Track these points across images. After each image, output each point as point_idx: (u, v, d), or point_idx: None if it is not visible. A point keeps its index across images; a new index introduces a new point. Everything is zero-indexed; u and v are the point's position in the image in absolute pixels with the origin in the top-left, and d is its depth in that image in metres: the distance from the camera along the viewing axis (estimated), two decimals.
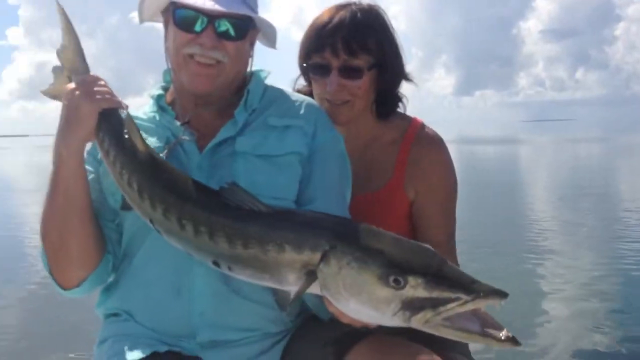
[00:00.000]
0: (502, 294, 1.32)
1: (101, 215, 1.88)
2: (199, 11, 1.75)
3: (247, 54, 1.90)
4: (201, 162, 1.83)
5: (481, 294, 1.31)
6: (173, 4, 1.80)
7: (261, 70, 1.99)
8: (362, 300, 1.38)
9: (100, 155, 1.81)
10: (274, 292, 1.57)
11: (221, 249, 1.53)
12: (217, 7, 1.73)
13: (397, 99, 2.33)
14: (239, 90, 1.92)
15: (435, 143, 2.38)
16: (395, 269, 1.35)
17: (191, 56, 1.79)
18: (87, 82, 1.74)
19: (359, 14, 2.10)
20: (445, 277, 1.34)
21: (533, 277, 7.39)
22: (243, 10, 1.79)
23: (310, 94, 2.25)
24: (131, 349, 1.75)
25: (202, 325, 1.78)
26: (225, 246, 1.51)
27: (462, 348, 2.28)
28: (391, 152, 2.32)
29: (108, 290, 1.94)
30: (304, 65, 2.20)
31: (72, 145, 1.71)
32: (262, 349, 1.83)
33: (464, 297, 1.31)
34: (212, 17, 1.75)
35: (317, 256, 1.42)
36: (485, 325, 1.34)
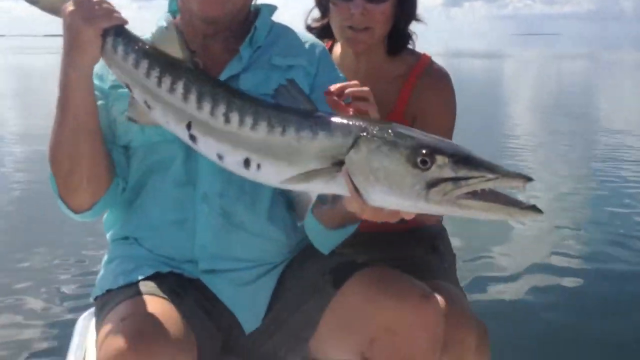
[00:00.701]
0: (526, 177, 1.34)
1: (109, 141, 1.88)
2: None
3: None
4: None
5: (506, 174, 1.34)
6: None
7: (268, 5, 2.01)
8: (388, 183, 1.41)
9: (120, 71, 1.75)
10: (295, 198, 1.61)
11: (260, 137, 1.55)
12: None
13: (408, 35, 2.38)
14: (245, 23, 1.95)
15: (440, 78, 2.41)
16: (423, 150, 1.38)
17: None
18: (87, 1, 1.66)
19: None
20: (471, 159, 1.37)
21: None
22: None
23: (323, 27, 2.33)
24: (136, 268, 1.86)
25: (203, 256, 1.88)
26: (264, 134, 1.54)
27: (452, 278, 2.39)
28: (395, 86, 2.36)
29: (115, 216, 2.01)
30: None
31: (81, 68, 1.69)
32: (259, 273, 1.93)
33: (488, 175, 1.34)
34: None
35: (348, 142, 1.45)
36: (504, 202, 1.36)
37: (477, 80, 26.44)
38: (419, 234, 2.40)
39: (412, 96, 2.34)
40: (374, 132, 1.45)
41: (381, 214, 1.51)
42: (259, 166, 1.58)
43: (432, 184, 1.37)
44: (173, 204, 1.88)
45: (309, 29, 2.40)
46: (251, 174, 1.61)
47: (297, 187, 1.57)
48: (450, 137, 2.30)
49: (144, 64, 1.69)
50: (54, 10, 1.77)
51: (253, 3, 1.99)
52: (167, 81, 1.66)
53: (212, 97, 1.62)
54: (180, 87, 1.64)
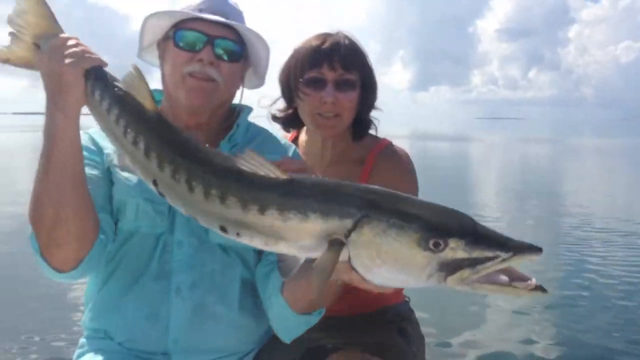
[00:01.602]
0: (537, 250, 1.35)
1: (100, 205, 1.84)
2: (200, 31, 1.86)
3: (238, 82, 1.99)
4: None
5: (518, 251, 1.33)
6: (173, 27, 1.89)
7: (247, 106, 2.09)
8: (397, 266, 1.36)
9: (95, 116, 1.73)
10: (280, 257, 1.51)
11: (233, 214, 1.45)
12: (215, 17, 1.86)
13: (370, 121, 2.50)
14: (225, 120, 2.03)
15: (397, 155, 2.48)
16: (434, 233, 1.33)
17: (190, 74, 1.88)
18: (62, 46, 1.66)
19: (347, 40, 2.35)
20: (482, 237, 1.34)
21: None
22: (233, 23, 1.90)
23: (288, 117, 2.43)
24: None
25: (176, 350, 1.90)
26: (238, 212, 1.44)
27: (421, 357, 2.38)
28: (357, 168, 2.43)
29: (90, 309, 1.99)
30: (300, 80, 2.32)
31: (68, 112, 1.66)
32: None
33: (502, 255, 1.32)
34: (210, 37, 1.87)
35: (346, 224, 1.37)
36: (512, 278, 1.36)
37: (445, 162, 26.90)
38: (388, 316, 2.40)
39: (372, 175, 2.40)
40: (376, 212, 1.37)
41: (389, 287, 1.48)
42: (238, 234, 1.49)
43: (445, 265, 1.34)
44: (147, 298, 1.89)
45: (274, 118, 2.49)
46: (231, 237, 1.51)
47: (287, 253, 1.49)
48: None
49: (115, 111, 1.66)
50: (28, 64, 1.74)
51: (235, 102, 2.08)
52: (130, 134, 1.62)
53: (170, 161, 1.55)
54: (141, 144, 1.60)
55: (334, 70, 2.28)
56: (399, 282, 1.41)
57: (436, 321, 5.14)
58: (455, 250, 1.33)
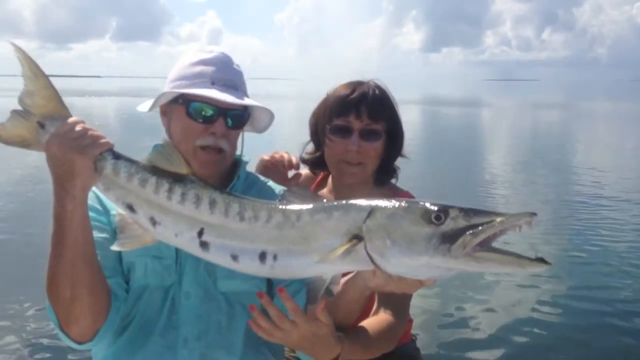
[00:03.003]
0: (531, 213, 1.44)
1: (110, 268, 1.92)
2: (213, 105, 1.92)
3: (239, 140, 2.08)
4: None
5: (512, 215, 1.45)
6: (183, 95, 1.95)
7: (244, 157, 2.16)
8: (404, 242, 1.50)
9: (123, 192, 1.76)
10: (310, 285, 1.67)
11: (274, 230, 1.64)
12: (231, 99, 1.91)
13: (394, 169, 2.55)
14: (228, 173, 2.10)
15: None
16: (436, 207, 1.51)
17: (201, 147, 1.95)
18: (71, 131, 1.69)
19: (377, 90, 2.41)
20: (478, 209, 1.50)
21: None
22: (249, 102, 1.98)
23: (316, 159, 2.51)
24: None
25: None
26: (280, 223, 1.64)
27: None
28: None
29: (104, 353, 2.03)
30: (327, 126, 2.40)
31: (77, 196, 1.70)
32: None
33: (498, 218, 1.45)
34: (223, 110, 1.94)
35: (363, 215, 1.56)
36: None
37: (456, 128, 26.79)
38: (394, 357, 2.38)
39: None
40: (385, 202, 1.57)
41: (404, 284, 1.62)
42: (275, 257, 1.65)
43: (448, 237, 1.47)
44: (156, 352, 1.93)
45: (303, 160, 2.57)
46: (266, 268, 1.66)
47: (314, 271, 1.64)
48: None
49: (152, 180, 1.73)
50: (22, 142, 1.77)
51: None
52: (177, 192, 1.72)
53: (223, 200, 1.70)
54: (191, 196, 1.71)
55: (361, 120, 2.34)
56: (410, 264, 1.52)
57: (443, 356, 4.99)
58: (456, 219, 1.48)
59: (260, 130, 2.16)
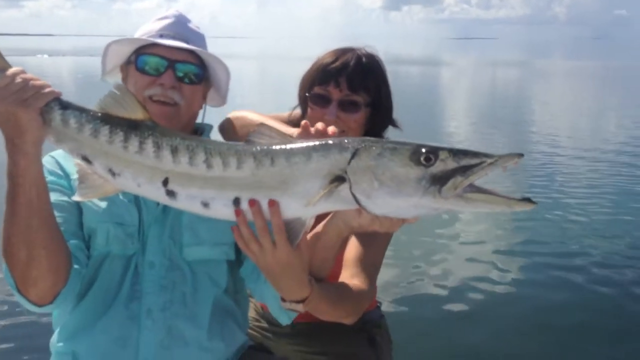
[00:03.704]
0: (518, 154, 1.45)
1: (71, 232, 1.87)
2: (162, 56, 1.89)
3: (200, 102, 2.03)
4: (155, 211, 1.95)
5: (502, 156, 1.45)
6: (135, 52, 1.93)
7: (209, 125, 2.13)
8: (394, 185, 1.47)
9: (75, 144, 1.67)
10: (287, 225, 1.59)
11: (247, 175, 1.55)
12: (175, 43, 1.89)
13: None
14: None
15: None
16: (425, 148, 1.47)
17: (150, 98, 1.92)
18: (10, 84, 1.58)
19: (363, 59, 2.33)
20: (467, 150, 1.48)
21: None
22: (193, 47, 1.94)
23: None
24: None
25: None
26: (253, 168, 1.54)
27: None
28: None
29: (59, 332, 2.01)
30: (306, 95, 2.35)
31: (29, 152, 1.61)
32: None
33: (488, 159, 1.45)
34: (171, 62, 1.91)
35: (347, 156, 1.50)
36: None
37: (416, 89, 26.87)
38: (358, 324, 2.31)
39: None
40: (371, 142, 1.51)
41: (387, 223, 1.59)
42: (252, 200, 1.57)
43: (437, 178, 1.45)
44: (118, 321, 1.90)
45: (289, 122, 2.46)
46: (244, 207, 1.58)
47: (294, 213, 1.57)
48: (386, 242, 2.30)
49: (105, 130, 1.63)
50: None
51: (197, 121, 2.11)
52: (134, 141, 1.61)
53: (186, 147, 1.59)
54: (149, 145, 1.61)
55: (340, 90, 2.28)
56: (399, 205, 1.50)
57: (408, 321, 4.86)
58: (445, 161, 1.45)
59: (222, 95, 2.12)
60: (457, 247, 6.43)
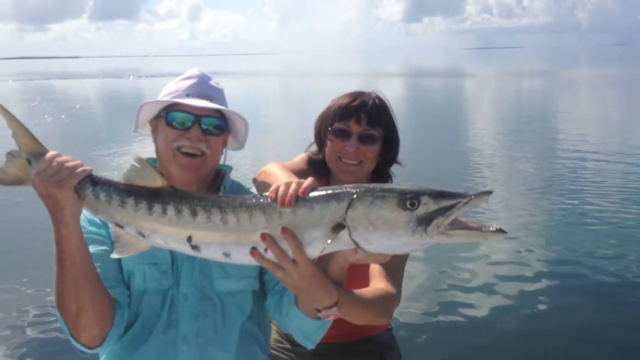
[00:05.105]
0: (488, 192, 1.71)
1: (112, 278, 2.09)
2: (189, 112, 2.12)
3: (222, 149, 2.23)
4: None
5: (473, 196, 1.68)
6: (165, 109, 2.14)
7: (228, 167, 2.33)
8: (386, 228, 1.70)
9: (107, 214, 1.91)
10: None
11: (260, 228, 1.79)
12: (203, 104, 2.11)
13: (389, 174, 2.76)
14: (213, 181, 2.27)
15: None
16: (409, 195, 1.69)
17: (179, 149, 2.12)
18: (48, 168, 1.84)
19: (377, 100, 2.64)
20: (445, 192, 1.70)
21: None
22: (216, 106, 2.15)
23: (321, 162, 2.67)
24: None
25: None
26: (264, 222, 1.78)
27: None
28: None
29: (106, 357, 2.20)
30: (329, 129, 2.61)
31: (68, 224, 1.86)
32: None
33: (462, 200, 1.67)
34: (197, 117, 2.13)
35: (344, 206, 1.73)
36: (479, 228, 1.70)
37: (439, 101, 26.86)
38: (369, 346, 2.76)
39: None
40: (363, 191, 1.73)
41: (381, 257, 1.79)
42: (266, 250, 1.80)
43: (422, 220, 1.68)
44: (157, 349, 2.12)
45: (311, 160, 2.72)
46: (259, 256, 1.82)
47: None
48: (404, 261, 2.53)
49: (130, 200, 1.88)
50: (18, 180, 1.94)
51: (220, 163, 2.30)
52: (157, 208, 1.86)
53: (203, 208, 1.84)
54: (171, 209, 1.85)
55: (360, 125, 2.56)
56: (392, 244, 1.73)
57: (419, 345, 4.93)
58: (427, 204, 1.68)
59: (240, 142, 2.31)
60: (467, 266, 6.40)
